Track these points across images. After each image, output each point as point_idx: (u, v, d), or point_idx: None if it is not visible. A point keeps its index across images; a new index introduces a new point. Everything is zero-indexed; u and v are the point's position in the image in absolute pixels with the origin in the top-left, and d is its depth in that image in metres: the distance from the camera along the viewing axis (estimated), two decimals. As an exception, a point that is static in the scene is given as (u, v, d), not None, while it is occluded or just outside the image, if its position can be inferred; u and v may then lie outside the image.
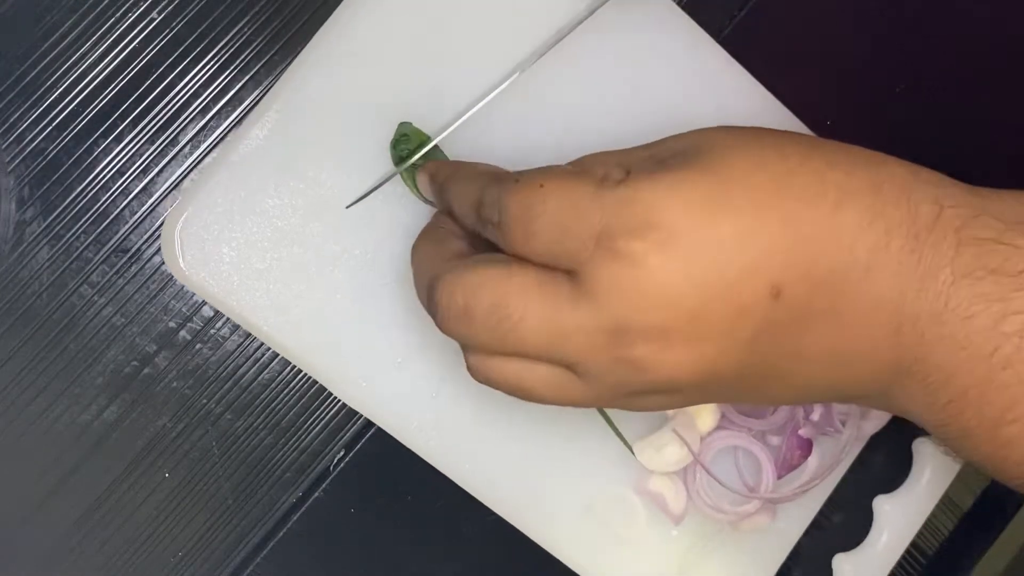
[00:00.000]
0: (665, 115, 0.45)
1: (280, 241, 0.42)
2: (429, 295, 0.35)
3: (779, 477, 0.46)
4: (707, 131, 0.35)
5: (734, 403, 0.38)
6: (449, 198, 0.38)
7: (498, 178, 0.35)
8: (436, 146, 0.42)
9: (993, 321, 0.32)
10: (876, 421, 0.47)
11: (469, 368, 0.36)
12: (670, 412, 0.46)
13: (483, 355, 0.35)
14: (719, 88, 0.46)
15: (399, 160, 0.42)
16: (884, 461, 0.49)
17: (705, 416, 0.46)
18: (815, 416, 0.46)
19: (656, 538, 0.47)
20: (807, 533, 0.48)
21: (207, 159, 0.44)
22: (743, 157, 0.32)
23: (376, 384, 0.44)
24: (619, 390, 0.34)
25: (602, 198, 0.32)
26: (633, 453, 0.45)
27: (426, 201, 0.42)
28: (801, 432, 0.46)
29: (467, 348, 0.35)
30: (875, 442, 0.48)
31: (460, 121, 0.42)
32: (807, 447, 0.46)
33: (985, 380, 0.32)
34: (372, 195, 0.43)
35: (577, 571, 0.46)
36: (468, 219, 0.37)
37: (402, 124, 0.43)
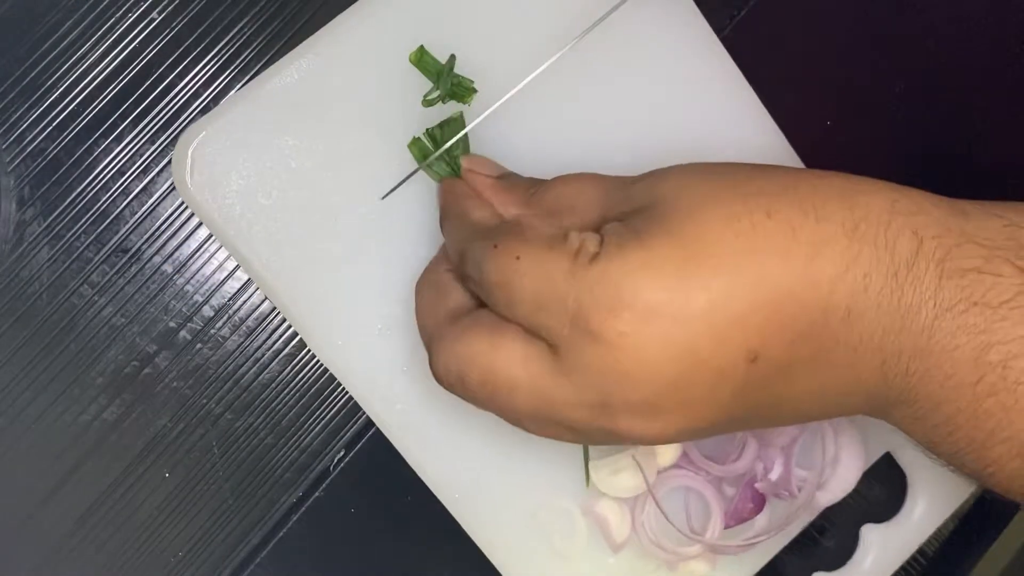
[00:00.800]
0: (675, 124, 0.45)
1: (290, 182, 0.42)
2: (429, 356, 0.37)
3: (726, 527, 0.46)
4: (676, 178, 0.34)
5: (734, 432, 0.38)
6: (444, 232, 0.40)
7: (479, 234, 0.36)
8: (465, 134, 0.42)
9: (977, 352, 0.32)
10: (832, 494, 0.47)
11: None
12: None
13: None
14: (724, 105, 0.46)
15: (431, 143, 0.42)
16: (880, 490, 0.50)
17: (666, 452, 0.46)
18: (773, 475, 0.46)
19: (592, 562, 0.46)
20: (792, 550, 0.48)
21: (232, 94, 0.43)
22: (710, 215, 0.32)
23: (352, 347, 0.43)
24: (609, 442, 0.35)
25: (576, 277, 0.32)
26: (588, 478, 0.45)
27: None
28: (757, 486, 0.46)
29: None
30: (873, 471, 0.48)
31: (492, 108, 0.42)
32: (760, 503, 0.46)
33: (971, 407, 0.32)
34: (383, 164, 0.43)
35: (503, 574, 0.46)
36: (454, 261, 0.38)
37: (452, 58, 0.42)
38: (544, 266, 0.33)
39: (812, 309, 0.32)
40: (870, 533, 0.49)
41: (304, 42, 0.42)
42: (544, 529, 0.46)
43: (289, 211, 0.42)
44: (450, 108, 0.43)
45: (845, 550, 0.49)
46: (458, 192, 0.41)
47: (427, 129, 0.43)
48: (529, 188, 0.39)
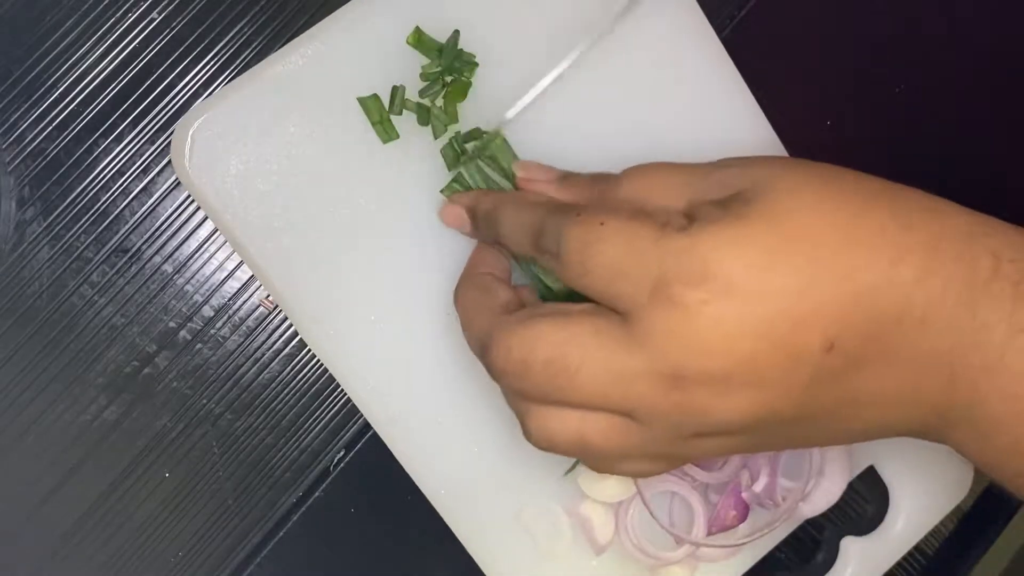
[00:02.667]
0: (681, 129, 0.45)
1: (290, 169, 0.42)
2: (484, 350, 0.36)
3: (709, 534, 0.46)
4: (769, 165, 0.35)
5: (789, 447, 0.38)
6: (498, 226, 0.39)
7: (559, 209, 0.36)
8: (503, 139, 0.42)
9: None
10: (815, 505, 0.47)
11: (529, 432, 0.36)
12: None
13: (543, 412, 0.35)
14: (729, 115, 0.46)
15: (460, 149, 0.42)
16: (862, 503, 0.50)
17: None
18: (758, 487, 0.46)
19: (574, 563, 0.46)
20: (772, 561, 0.48)
21: (238, 78, 0.43)
22: (804, 204, 0.33)
23: (344, 337, 0.43)
24: (678, 433, 0.34)
25: (662, 245, 0.32)
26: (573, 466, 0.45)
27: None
28: (743, 495, 0.46)
29: (527, 410, 0.36)
30: (856, 484, 0.49)
31: (523, 103, 0.42)
32: (744, 511, 0.46)
33: None
34: (383, 155, 0.42)
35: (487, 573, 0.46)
36: (522, 247, 0.37)
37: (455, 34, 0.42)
38: (630, 233, 0.33)
39: (889, 310, 0.32)
40: (851, 545, 0.49)
41: (309, 30, 0.42)
42: (528, 528, 0.46)
43: (287, 198, 0.42)
44: (472, 119, 0.43)
45: (825, 562, 0.49)
46: (496, 192, 0.41)
47: (451, 139, 0.42)
48: (595, 184, 0.39)
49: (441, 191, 0.42)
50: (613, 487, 0.45)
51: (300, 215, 0.42)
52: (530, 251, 0.37)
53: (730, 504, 0.45)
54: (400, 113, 0.42)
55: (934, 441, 0.36)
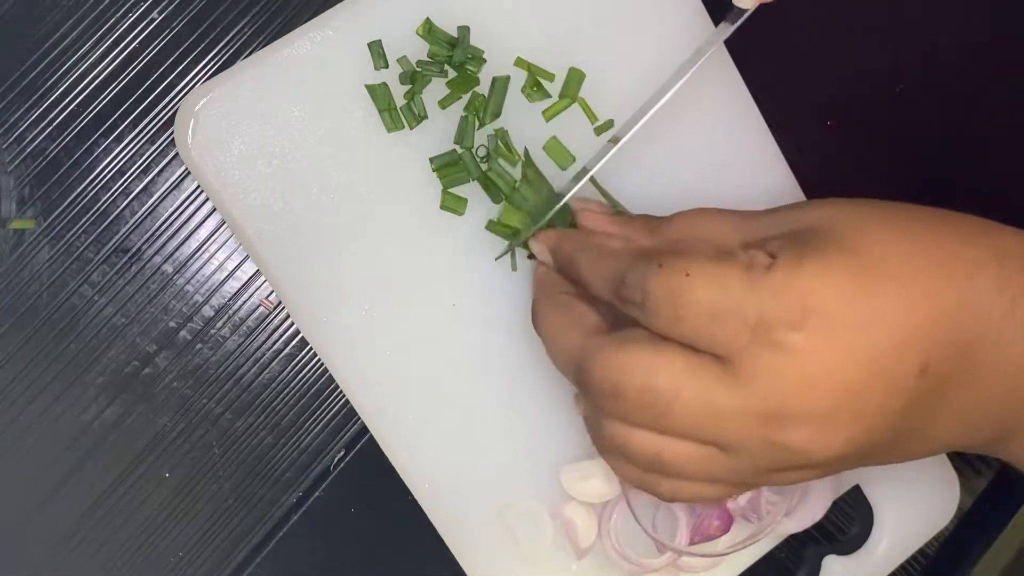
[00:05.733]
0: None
1: (292, 153, 0.42)
2: (579, 372, 0.36)
3: (691, 543, 0.46)
4: (836, 206, 0.35)
5: (861, 466, 0.38)
6: (579, 270, 0.39)
7: (638, 258, 0.36)
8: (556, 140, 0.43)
9: None
10: (799, 522, 0.47)
11: (604, 434, 0.36)
12: None
13: (627, 426, 0.35)
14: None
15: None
16: (847, 523, 0.50)
17: None
18: (743, 499, 0.46)
19: (554, 566, 0.46)
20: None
21: (245, 59, 0.43)
22: (880, 235, 0.33)
23: (336, 325, 0.43)
24: (766, 467, 0.34)
25: (754, 287, 0.32)
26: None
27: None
28: (728, 506, 0.45)
29: (610, 417, 0.36)
30: (841, 503, 0.49)
31: (611, 153, 0.42)
32: (727, 522, 0.46)
33: None
34: (385, 145, 0.43)
35: (468, 573, 0.46)
36: (603, 293, 0.37)
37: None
38: (718, 278, 0.33)
39: (972, 327, 0.33)
40: (832, 565, 0.49)
41: (319, 16, 0.42)
42: (511, 527, 0.46)
43: (287, 182, 0.42)
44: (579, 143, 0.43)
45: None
46: (582, 234, 0.41)
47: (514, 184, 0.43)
48: (648, 223, 0.40)
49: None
50: (597, 487, 0.45)
51: (300, 200, 0.42)
52: (611, 298, 0.37)
53: (714, 514, 0.45)
54: (420, 91, 0.42)
55: (987, 453, 0.37)
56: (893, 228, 0.34)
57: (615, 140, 0.42)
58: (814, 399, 0.32)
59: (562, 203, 0.42)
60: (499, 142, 0.43)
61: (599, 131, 0.44)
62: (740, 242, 0.36)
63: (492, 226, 0.43)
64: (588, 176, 0.42)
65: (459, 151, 0.43)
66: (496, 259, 0.44)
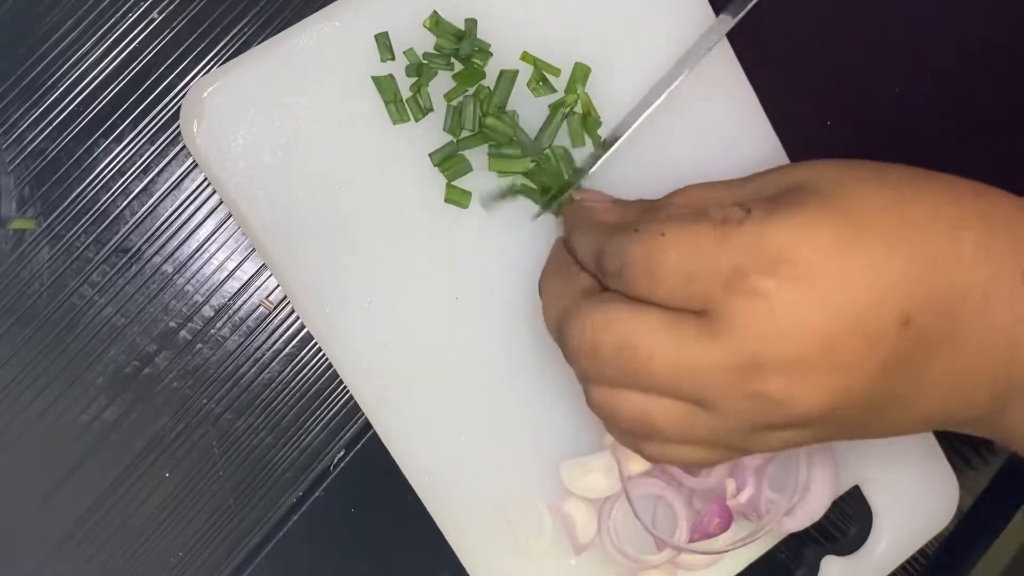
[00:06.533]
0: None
1: (297, 144, 0.42)
2: (559, 330, 0.36)
3: (690, 540, 0.46)
4: (819, 166, 0.35)
5: (851, 438, 0.38)
6: (572, 243, 0.40)
7: (616, 228, 0.36)
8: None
9: None
10: (798, 521, 0.47)
11: (591, 401, 0.36)
12: (607, 441, 0.46)
13: (608, 388, 0.35)
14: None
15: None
16: (846, 523, 0.50)
17: (638, 458, 0.45)
18: (743, 497, 0.46)
19: (553, 561, 0.46)
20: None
21: (252, 49, 0.44)
22: (864, 192, 0.33)
23: (338, 317, 0.43)
24: (748, 424, 0.34)
25: (728, 240, 0.32)
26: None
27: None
28: (728, 503, 0.45)
29: (592, 380, 0.36)
30: (840, 503, 0.49)
31: (616, 145, 0.43)
32: (727, 520, 0.46)
33: None
34: (389, 138, 0.43)
35: (466, 567, 0.46)
36: (589, 266, 0.38)
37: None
38: (691, 236, 0.33)
39: (955, 286, 0.33)
40: (831, 565, 0.49)
41: (326, 7, 0.42)
42: (510, 522, 0.46)
43: (293, 173, 0.42)
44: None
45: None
46: (580, 207, 0.41)
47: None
48: (644, 205, 0.40)
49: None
50: (597, 483, 0.45)
51: (304, 191, 0.42)
52: (595, 271, 0.37)
53: (714, 511, 0.45)
54: (427, 84, 0.42)
55: (983, 434, 0.37)
56: (876, 184, 0.34)
57: (612, 140, 0.43)
58: (788, 347, 0.32)
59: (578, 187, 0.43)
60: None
61: (592, 134, 0.44)
62: (734, 203, 0.36)
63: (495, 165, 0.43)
64: (608, 153, 0.43)
65: (455, 142, 0.43)
66: (534, 217, 0.44)
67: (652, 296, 0.34)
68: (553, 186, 0.43)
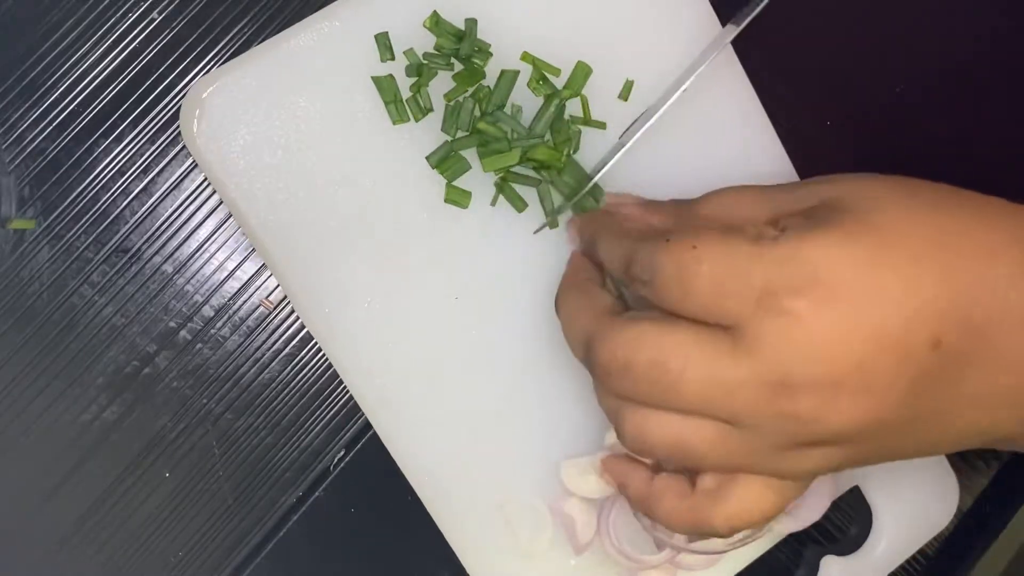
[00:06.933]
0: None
1: (298, 144, 0.42)
2: (587, 352, 0.36)
3: (690, 540, 0.45)
4: (855, 181, 0.35)
5: (886, 460, 0.38)
6: (599, 251, 0.39)
7: (646, 237, 0.36)
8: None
9: None
10: (798, 522, 0.47)
11: (626, 435, 0.36)
12: (607, 442, 0.46)
13: (642, 413, 0.35)
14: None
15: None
16: (846, 523, 0.50)
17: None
18: None
19: (552, 561, 0.46)
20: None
21: (252, 48, 0.44)
22: (897, 211, 0.33)
23: (338, 317, 0.43)
24: (780, 443, 0.34)
25: (761, 257, 0.32)
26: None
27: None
28: None
29: (624, 410, 0.36)
30: (840, 503, 0.49)
31: (620, 153, 0.43)
32: None
33: None
34: (389, 138, 0.43)
35: (466, 567, 0.46)
36: (616, 274, 0.38)
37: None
38: (724, 251, 0.33)
39: (989, 308, 0.33)
40: (831, 565, 0.49)
41: (326, 7, 0.42)
42: (510, 522, 0.46)
43: (292, 173, 0.42)
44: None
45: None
46: (603, 216, 0.41)
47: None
48: (676, 207, 0.40)
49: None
50: (597, 483, 0.45)
51: (304, 191, 0.42)
52: (624, 278, 0.37)
53: None
54: (427, 84, 0.42)
55: (1010, 449, 0.37)
56: (912, 204, 0.34)
57: (618, 147, 0.43)
58: (819, 366, 0.32)
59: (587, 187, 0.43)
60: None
61: (592, 124, 0.44)
62: (770, 214, 0.36)
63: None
64: (616, 156, 0.43)
65: (449, 142, 0.43)
66: (535, 232, 0.44)
67: (682, 308, 0.34)
68: (579, 186, 0.43)
